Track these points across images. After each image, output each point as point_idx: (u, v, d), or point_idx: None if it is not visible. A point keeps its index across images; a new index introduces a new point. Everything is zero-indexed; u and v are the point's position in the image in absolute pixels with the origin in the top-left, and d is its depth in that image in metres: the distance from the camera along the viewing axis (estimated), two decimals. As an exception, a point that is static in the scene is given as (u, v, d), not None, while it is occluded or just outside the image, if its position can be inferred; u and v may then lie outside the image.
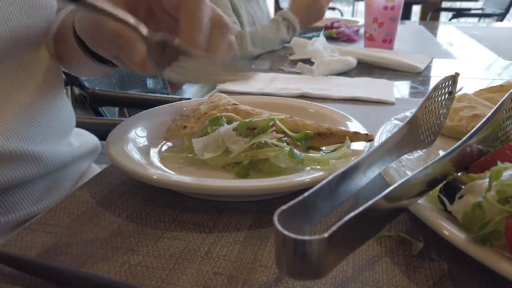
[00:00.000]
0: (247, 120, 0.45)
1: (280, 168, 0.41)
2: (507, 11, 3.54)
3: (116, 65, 0.49)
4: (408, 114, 0.53)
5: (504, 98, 0.41)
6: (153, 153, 0.47)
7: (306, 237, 0.23)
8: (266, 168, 0.41)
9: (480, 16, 4.05)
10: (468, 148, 0.37)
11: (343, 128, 0.46)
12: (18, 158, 0.49)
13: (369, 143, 0.44)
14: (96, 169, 0.72)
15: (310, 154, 0.41)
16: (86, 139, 0.68)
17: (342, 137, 0.43)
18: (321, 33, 1.05)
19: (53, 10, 0.54)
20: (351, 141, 0.43)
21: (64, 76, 0.64)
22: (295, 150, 0.40)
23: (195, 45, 0.38)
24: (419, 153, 0.46)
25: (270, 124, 0.43)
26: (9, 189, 0.51)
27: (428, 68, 1.05)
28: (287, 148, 0.40)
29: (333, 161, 0.40)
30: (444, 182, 0.34)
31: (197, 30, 0.38)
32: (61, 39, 0.58)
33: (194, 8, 0.38)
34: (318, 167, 0.41)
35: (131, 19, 0.34)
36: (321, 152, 0.44)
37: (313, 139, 0.44)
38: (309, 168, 0.41)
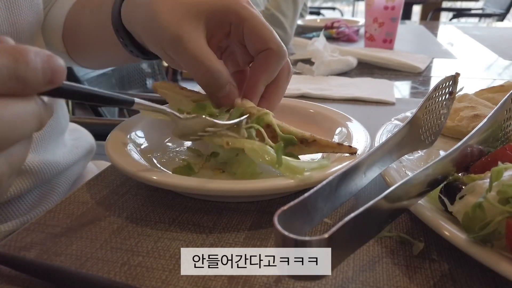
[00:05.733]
0: (242, 108, 0.43)
1: (255, 171, 0.40)
2: (507, 11, 3.54)
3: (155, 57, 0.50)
4: (409, 114, 0.53)
5: (504, 98, 0.40)
6: (153, 154, 0.47)
7: (306, 238, 0.23)
8: (239, 174, 0.41)
9: (480, 16, 4.05)
10: (468, 148, 0.37)
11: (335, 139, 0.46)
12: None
13: (369, 144, 0.44)
14: (92, 168, 0.71)
15: (289, 159, 0.38)
16: (80, 137, 0.67)
17: (325, 147, 0.42)
18: (321, 33, 1.05)
19: (39, 5, 0.52)
20: (335, 153, 0.42)
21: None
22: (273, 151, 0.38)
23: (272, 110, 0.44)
24: (419, 153, 0.46)
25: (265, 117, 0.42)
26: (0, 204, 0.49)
27: (428, 68, 1.05)
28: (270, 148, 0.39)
29: (308, 173, 0.38)
30: (445, 182, 0.34)
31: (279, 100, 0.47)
32: (78, 32, 0.56)
33: (284, 82, 0.46)
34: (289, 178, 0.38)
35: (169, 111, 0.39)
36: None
37: (294, 146, 0.42)
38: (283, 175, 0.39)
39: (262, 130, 0.41)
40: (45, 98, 0.27)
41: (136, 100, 0.35)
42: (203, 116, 0.39)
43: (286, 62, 0.46)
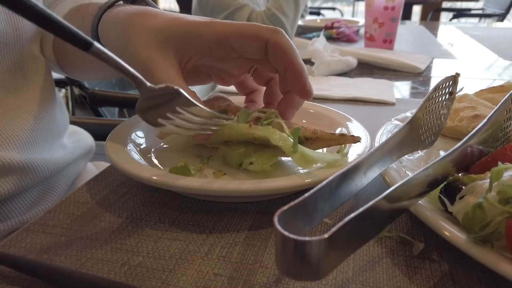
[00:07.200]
0: (250, 110, 0.45)
1: (269, 167, 0.41)
2: (507, 11, 3.54)
3: None
4: (409, 114, 0.53)
5: (504, 98, 0.40)
6: (153, 154, 0.47)
7: (307, 238, 0.23)
8: (259, 163, 0.41)
9: (480, 16, 4.06)
10: (468, 148, 0.37)
11: (331, 131, 0.46)
12: (11, 170, 0.48)
13: (369, 144, 0.44)
14: (91, 168, 0.71)
15: (304, 148, 0.39)
16: (80, 139, 0.67)
17: (329, 141, 0.42)
18: (321, 33, 1.05)
19: None
20: (340, 144, 0.42)
21: (63, 77, 0.63)
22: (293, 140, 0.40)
23: (306, 92, 0.43)
24: (419, 153, 0.46)
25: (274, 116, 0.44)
26: None
27: (428, 68, 1.05)
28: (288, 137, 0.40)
29: (321, 169, 0.39)
30: (445, 182, 0.34)
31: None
32: (66, 44, 0.56)
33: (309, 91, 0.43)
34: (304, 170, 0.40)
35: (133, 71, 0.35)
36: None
37: (302, 143, 0.43)
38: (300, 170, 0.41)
39: (282, 121, 0.42)
40: None
41: (96, 43, 0.31)
42: (176, 88, 0.35)
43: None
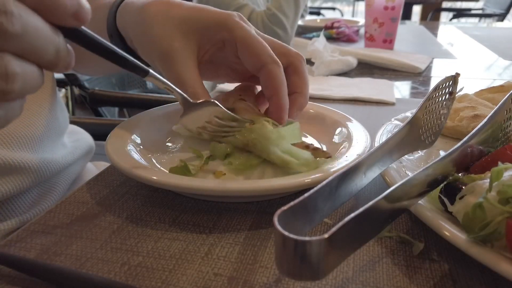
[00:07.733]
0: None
1: (242, 167, 0.42)
2: (507, 11, 3.54)
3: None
4: (409, 114, 0.53)
5: (504, 98, 0.40)
6: (153, 154, 0.47)
7: (307, 238, 0.23)
8: (239, 164, 0.43)
9: (480, 16, 4.06)
10: (468, 148, 0.37)
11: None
12: (12, 170, 0.48)
13: (369, 144, 0.44)
14: (91, 168, 0.71)
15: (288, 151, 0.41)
16: (80, 138, 0.67)
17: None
18: (321, 33, 1.05)
19: None
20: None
21: (63, 76, 0.63)
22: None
23: (281, 123, 0.43)
24: (419, 153, 0.46)
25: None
26: None
27: (428, 68, 1.05)
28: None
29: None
30: (445, 182, 0.34)
31: (285, 109, 0.43)
32: None
33: (281, 90, 0.43)
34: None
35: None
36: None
37: None
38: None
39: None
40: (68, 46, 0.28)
41: (151, 71, 0.35)
42: (213, 101, 0.41)
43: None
